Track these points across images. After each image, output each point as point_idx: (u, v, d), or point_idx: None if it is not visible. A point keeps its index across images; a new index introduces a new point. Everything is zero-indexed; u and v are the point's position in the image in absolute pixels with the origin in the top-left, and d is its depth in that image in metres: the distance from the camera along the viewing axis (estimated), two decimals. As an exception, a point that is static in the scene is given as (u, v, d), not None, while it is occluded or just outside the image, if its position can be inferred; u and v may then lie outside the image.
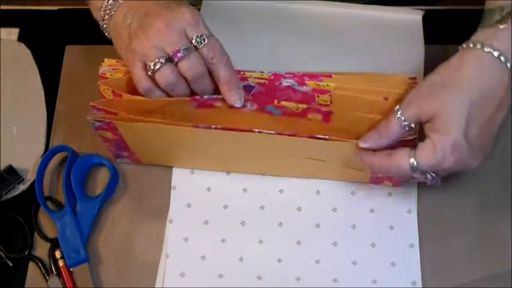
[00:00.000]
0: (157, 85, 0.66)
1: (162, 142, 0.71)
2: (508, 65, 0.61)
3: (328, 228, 0.73)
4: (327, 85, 0.68)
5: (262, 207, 0.74)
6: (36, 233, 0.74)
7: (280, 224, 0.74)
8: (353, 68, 0.71)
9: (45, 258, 0.73)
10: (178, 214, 0.74)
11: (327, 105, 0.69)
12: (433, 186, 0.66)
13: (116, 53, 0.71)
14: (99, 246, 0.74)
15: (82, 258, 0.72)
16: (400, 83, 0.68)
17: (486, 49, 0.61)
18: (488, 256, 0.71)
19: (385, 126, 0.64)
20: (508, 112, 0.64)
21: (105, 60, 0.71)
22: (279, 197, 0.75)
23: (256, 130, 0.66)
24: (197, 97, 0.67)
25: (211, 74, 0.66)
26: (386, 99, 0.68)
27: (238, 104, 0.67)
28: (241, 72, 0.69)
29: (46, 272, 0.72)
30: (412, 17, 0.82)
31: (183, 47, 0.64)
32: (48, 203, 0.75)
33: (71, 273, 0.72)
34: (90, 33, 0.81)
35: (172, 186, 0.76)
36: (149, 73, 0.65)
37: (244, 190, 0.75)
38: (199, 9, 0.76)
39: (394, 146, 0.65)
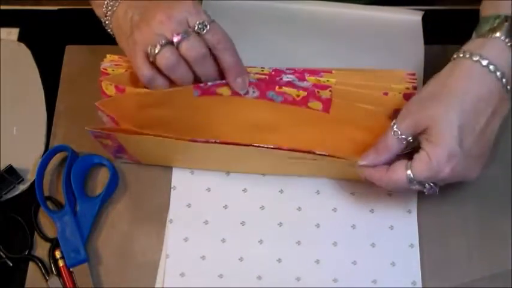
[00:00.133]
0: (158, 72, 0.66)
1: (162, 150, 0.71)
2: (498, 73, 0.61)
3: (328, 228, 0.73)
4: (327, 80, 0.69)
5: (262, 207, 0.74)
6: (36, 233, 0.74)
7: (280, 224, 0.74)
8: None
9: (45, 258, 0.73)
10: (178, 214, 0.74)
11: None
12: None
13: (116, 52, 0.71)
14: (99, 246, 0.74)
15: (82, 258, 0.72)
16: (399, 78, 0.69)
17: (475, 58, 0.62)
18: (488, 256, 0.71)
19: (382, 141, 0.65)
20: (507, 117, 0.64)
21: (107, 56, 0.72)
22: (279, 197, 0.75)
23: (256, 145, 0.66)
24: (201, 84, 0.67)
25: (216, 60, 0.66)
26: (386, 94, 0.69)
27: (243, 91, 0.68)
28: None
29: (46, 272, 0.72)
30: (412, 17, 0.82)
31: (183, 30, 0.64)
32: (48, 203, 0.75)
33: (71, 273, 0.72)
34: (90, 33, 0.81)
35: (172, 186, 0.76)
36: (151, 59, 0.65)
37: (244, 190, 0.75)
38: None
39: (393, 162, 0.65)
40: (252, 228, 0.73)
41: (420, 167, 0.62)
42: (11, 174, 0.76)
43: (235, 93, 0.68)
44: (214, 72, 0.67)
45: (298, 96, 0.68)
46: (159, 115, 0.70)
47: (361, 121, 0.68)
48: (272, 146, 0.66)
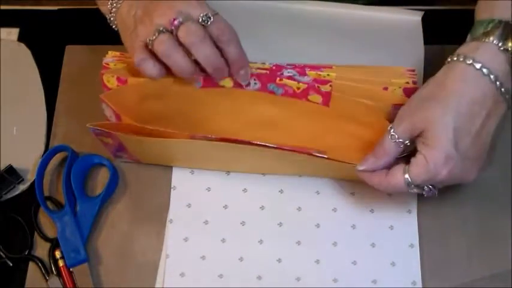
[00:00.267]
0: (153, 57, 0.66)
1: (162, 150, 0.71)
2: (492, 77, 0.61)
3: (328, 228, 0.73)
4: (328, 75, 0.69)
5: (262, 207, 0.74)
6: (36, 233, 0.74)
7: (280, 224, 0.74)
8: (353, 68, 0.72)
9: (45, 258, 0.73)
10: (178, 214, 0.74)
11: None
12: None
13: (118, 51, 0.71)
14: (99, 246, 0.74)
15: (82, 258, 0.72)
16: (399, 74, 0.69)
17: (468, 61, 0.62)
18: (488, 256, 0.71)
19: (380, 146, 0.65)
20: (504, 119, 0.65)
21: (109, 52, 0.72)
22: (279, 197, 0.75)
23: (256, 142, 0.66)
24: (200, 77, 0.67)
25: (220, 52, 0.67)
26: (385, 89, 0.69)
27: (244, 82, 0.69)
28: None
29: (46, 272, 0.72)
30: (412, 17, 0.82)
31: (182, 17, 0.64)
32: (48, 203, 0.75)
33: (71, 273, 0.72)
34: (90, 33, 0.82)
35: (172, 186, 0.76)
36: (149, 47, 0.65)
37: (244, 190, 0.75)
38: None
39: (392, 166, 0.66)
40: (252, 228, 0.73)
41: (417, 171, 0.63)
42: (11, 174, 0.76)
43: (237, 85, 0.69)
44: (214, 55, 0.66)
45: (298, 88, 0.68)
46: (160, 109, 0.70)
47: (360, 116, 0.69)
48: (273, 145, 0.66)
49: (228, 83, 0.69)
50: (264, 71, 0.70)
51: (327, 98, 0.69)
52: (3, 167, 0.76)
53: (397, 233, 0.73)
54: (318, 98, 0.69)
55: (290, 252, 0.72)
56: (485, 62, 0.62)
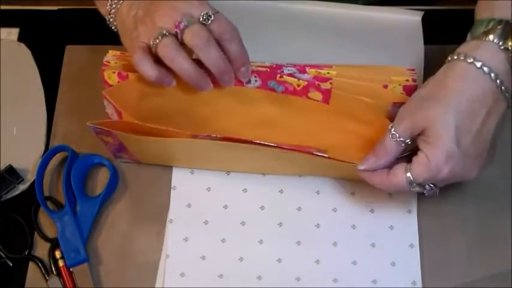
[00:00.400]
0: (154, 60, 0.66)
1: (162, 149, 0.71)
2: (492, 75, 0.62)
3: (328, 228, 0.73)
4: (328, 73, 0.69)
5: (262, 207, 0.74)
6: (36, 233, 0.74)
7: (280, 224, 0.74)
8: (353, 68, 0.72)
9: (45, 258, 0.73)
10: (178, 214, 0.74)
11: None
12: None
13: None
14: (99, 246, 0.74)
15: (82, 258, 0.72)
16: (399, 73, 0.70)
17: (469, 60, 0.62)
18: (488, 256, 0.71)
19: (381, 145, 0.65)
20: (505, 118, 0.65)
21: (110, 51, 0.72)
22: (279, 197, 0.75)
23: (257, 141, 0.66)
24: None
25: (222, 50, 0.67)
26: (385, 87, 0.69)
27: (245, 79, 0.69)
28: None
29: (46, 272, 0.72)
30: (412, 17, 0.82)
31: (186, 20, 0.64)
32: (48, 203, 0.75)
33: (71, 273, 0.72)
34: (90, 33, 0.82)
35: (172, 186, 0.76)
36: (153, 51, 0.65)
37: (244, 190, 0.75)
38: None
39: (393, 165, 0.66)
40: (252, 228, 0.73)
41: (419, 169, 0.63)
42: (11, 174, 0.76)
43: (238, 83, 0.69)
44: (222, 59, 0.67)
45: (298, 86, 0.69)
46: (161, 106, 0.70)
47: (360, 114, 0.69)
48: (273, 144, 0.66)
49: None
50: (264, 69, 0.70)
51: (327, 95, 0.69)
52: (3, 167, 0.76)
53: (397, 233, 0.73)
54: (318, 96, 0.69)
55: (290, 252, 0.72)
56: (486, 60, 0.62)
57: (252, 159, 0.71)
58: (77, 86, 0.81)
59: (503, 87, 0.62)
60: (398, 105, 0.66)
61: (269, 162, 0.72)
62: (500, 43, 0.62)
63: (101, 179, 0.77)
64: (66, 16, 0.86)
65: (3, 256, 0.73)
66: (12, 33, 0.85)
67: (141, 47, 0.66)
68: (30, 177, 0.77)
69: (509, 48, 0.62)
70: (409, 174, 0.63)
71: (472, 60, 0.62)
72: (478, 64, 0.62)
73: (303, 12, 0.83)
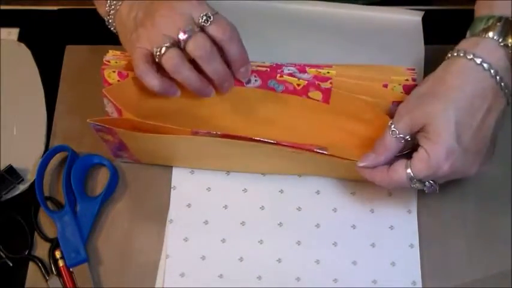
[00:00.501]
0: (155, 69, 0.66)
1: (162, 147, 0.71)
2: (492, 71, 0.62)
3: (328, 228, 0.73)
4: (328, 72, 0.69)
5: (262, 207, 0.74)
6: (36, 233, 0.74)
7: (280, 224, 0.74)
8: (353, 68, 0.72)
9: (45, 258, 0.73)
10: (178, 214, 0.74)
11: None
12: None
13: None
14: (99, 246, 0.74)
15: (82, 258, 0.72)
16: (399, 72, 0.70)
17: (469, 56, 0.62)
18: (488, 256, 0.71)
19: (381, 142, 0.65)
20: (505, 116, 0.65)
21: (110, 51, 0.72)
22: (279, 197, 0.75)
23: (256, 138, 0.66)
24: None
25: (221, 51, 0.67)
26: (385, 86, 0.69)
27: (245, 79, 0.69)
28: None
29: (46, 272, 0.72)
30: (412, 17, 0.82)
31: (188, 28, 0.64)
32: (48, 203, 0.75)
33: (71, 273, 0.72)
34: (90, 33, 0.81)
35: (172, 186, 0.76)
36: (156, 59, 0.65)
37: (244, 190, 0.75)
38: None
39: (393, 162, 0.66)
40: (252, 228, 0.73)
41: (420, 165, 0.63)
42: (11, 174, 0.76)
43: (237, 83, 0.69)
44: (223, 69, 0.67)
45: (298, 85, 0.69)
46: (160, 105, 0.70)
47: (360, 113, 0.69)
48: (273, 141, 0.66)
49: None
50: (264, 69, 0.70)
51: (327, 94, 0.69)
52: (3, 167, 0.76)
53: (397, 233, 0.73)
54: (318, 95, 0.69)
55: (290, 252, 0.72)
56: (486, 57, 0.62)
57: (252, 157, 0.71)
58: (77, 86, 0.81)
59: (502, 84, 0.62)
60: (398, 104, 0.66)
61: (269, 161, 0.72)
62: (500, 40, 0.62)
63: (101, 179, 0.77)
64: (66, 16, 0.86)
65: (3, 256, 0.73)
66: (12, 33, 0.85)
67: (143, 53, 0.66)
68: (30, 177, 0.77)
69: (509, 45, 0.62)
70: (409, 171, 0.63)
71: (471, 56, 0.62)
72: (478, 60, 0.62)
73: (303, 12, 0.83)
